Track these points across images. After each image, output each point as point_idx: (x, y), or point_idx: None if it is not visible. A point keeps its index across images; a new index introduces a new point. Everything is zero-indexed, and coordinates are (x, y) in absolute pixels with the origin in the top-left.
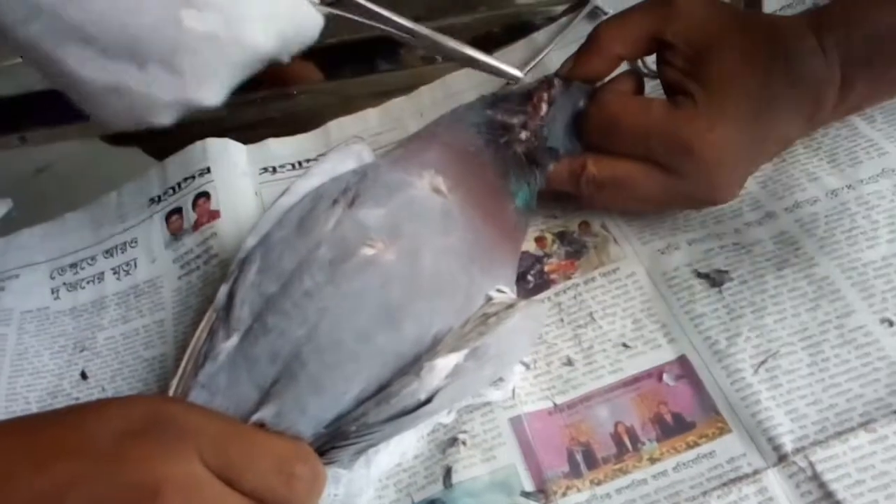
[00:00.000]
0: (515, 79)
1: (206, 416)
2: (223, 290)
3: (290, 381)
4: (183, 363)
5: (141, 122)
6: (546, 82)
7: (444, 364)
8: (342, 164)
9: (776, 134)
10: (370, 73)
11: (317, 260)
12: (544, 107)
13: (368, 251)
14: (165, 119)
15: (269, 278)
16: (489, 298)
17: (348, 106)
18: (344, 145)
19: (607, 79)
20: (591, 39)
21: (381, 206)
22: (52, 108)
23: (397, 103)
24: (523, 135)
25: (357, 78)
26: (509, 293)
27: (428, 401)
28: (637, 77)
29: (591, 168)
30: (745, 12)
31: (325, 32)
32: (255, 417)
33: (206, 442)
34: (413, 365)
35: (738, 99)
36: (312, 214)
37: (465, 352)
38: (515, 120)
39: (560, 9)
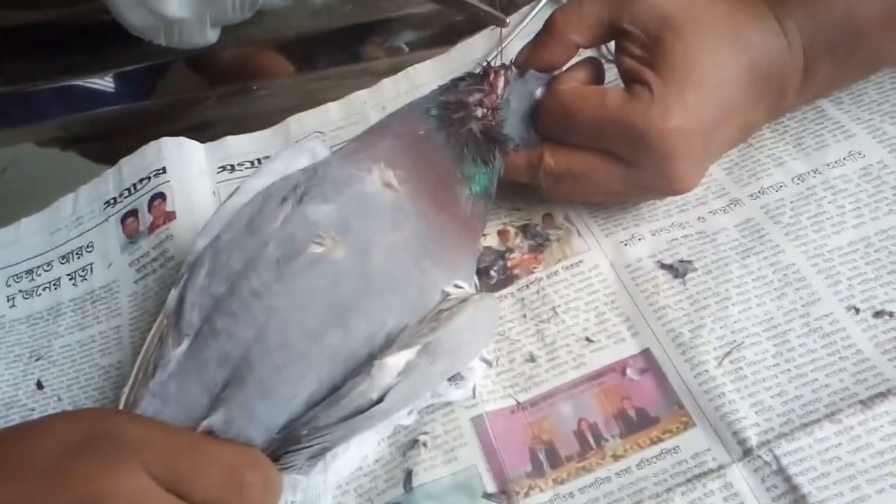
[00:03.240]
0: (502, 22)
1: (152, 428)
2: (173, 294)
3: (239, 385)
4: (134, 372)
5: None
6: (502, 66)
7: (395, 361)
8: (295, 161)
9: (737, 122)
10: (335, 66)
11: (264, 259)
12: (501, 83)
13: (317, 248)
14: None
15: (217, 280)
16: (446, 294)
17: (309, 101)
18: (297, 143)
19: (565, 67)
20: (548, 27)
21: (330, 202)
22: (4, 111)
23: (359, 96)
24: (479, 112)
25: (318, 71)
26: (467, 288)
27: (380, 400)
28: (595, 65)
29: (548, 160)
30: None
31: (294, 25)
32: (203, 425)
33: (153, 454)
34: (366, 365)
35: (696, 87)
36: (261, 213)
37: (416, 348)
38: (471, 97)
39: None
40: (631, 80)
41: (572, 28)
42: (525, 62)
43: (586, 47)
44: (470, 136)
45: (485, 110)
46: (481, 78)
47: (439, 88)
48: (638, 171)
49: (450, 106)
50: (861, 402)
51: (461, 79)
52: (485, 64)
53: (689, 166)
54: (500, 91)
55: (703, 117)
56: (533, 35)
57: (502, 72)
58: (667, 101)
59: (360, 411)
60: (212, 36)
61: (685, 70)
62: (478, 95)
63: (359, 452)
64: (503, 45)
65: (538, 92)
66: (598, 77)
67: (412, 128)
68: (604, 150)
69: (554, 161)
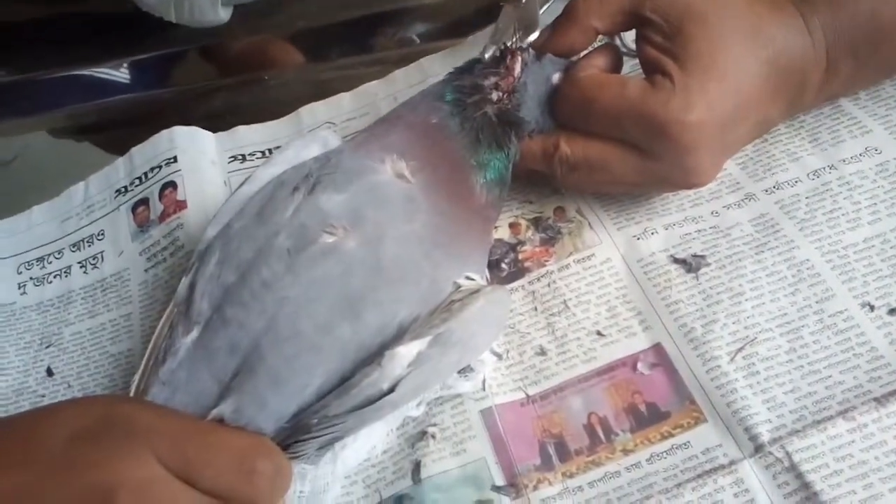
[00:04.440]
0: None
1: (162, 415)
2: (184, 282)
3: (249, 374)
4: (144, 359)
5: None
6: (518, 48)
7: (406, 352)
8: (306, 150)
9: (756, 117)
10: (346, 56)
11: (275, 248)
12: (518, 67)
13: (328, 238)
14: None
15: (228, 269)
16: (458, 286)
17: (321, 91)
18: (309, 132)
19: (583, 53)
20: (568, 12)
21: (342, 192)
22: (16, 101)
23: (371, 87)
24: (495, 95)
25: (329, 62)
26: (478, 280)
27: (391, 390)
28: (614, 52)
29: (564, 147)
30: None
31: (305, 15)
32: (213, 413)
33: (163, 441)
34: (377, 355)
35: (718, 81)
36: (272, 202)
37: (427, 339)
38: (487, 81)
39: None
40: (652, 69)
41: (593, 14)
42: (544, 46)
43: (606, 34)
44: (485, 120)
45: (500, 93)
46: (498, 60)
47: (455, 71)
48: (655, 163)
49: (464, 89)
50: (875, 399)
51: (477, 61)
52: (502, 46)
53: (706, 160)
54: (516, 74)
55: (723, 111)
56: (550, 22)
57: (519, 54)
58: (689, 93)
59: (371, 401)
60: (223, 14)
61: (707, 62)
62: (494, 78)
63: (368, 443)
64: (515, 38)
65: (556, 77)
66: (616, 64)
67: (425, 117)
68: (621, 140)
69: (570, 149)
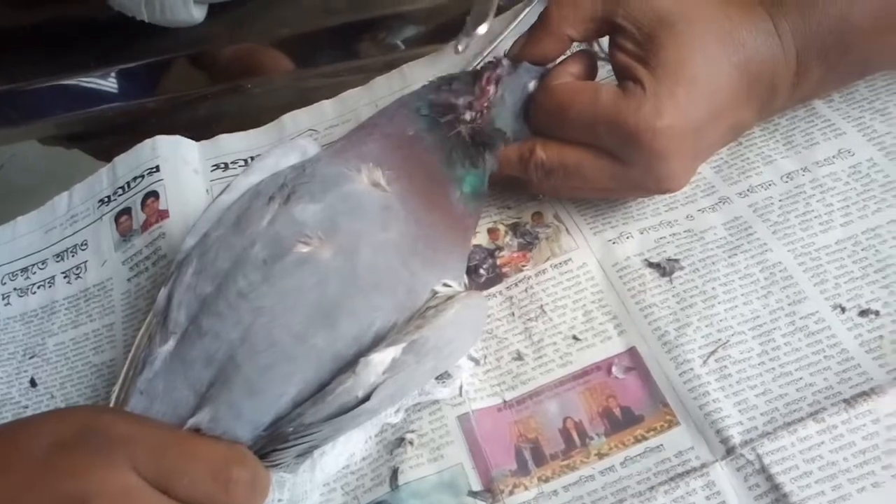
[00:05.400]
0: None
1: (139, 424)
2: (162, 293)
3: (225, 384)
4: (124, 370)
5: None
6: (494, 63)
7: (381, 359)
8: (284, 158)
9: (728, 121)
10: (331, 63)
11: (251, 259)
12: (492, 88)
13: (303, 248)
14: None
15: (204, 279)
16: (434, 293)
17: (304, 99)
18: (289, 140)
19: (559, 60)
20: (542, 19)
21: (318, 201)
22: (3, 109)
23: (353, 94)
24: (468, 115)
25: (314, 69)
26: (456, 286)
27: (367, 398)
28: (588, 59)
29: (539, 153)
30: None
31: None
32: (190, 422)
33: (140, 451)
34: (353, 364)
35: (688, 86)
36: (248, 212)
37: (402, 345)
38: (461, 100)
39: None
40: (624, 76)
41: (567, 21)
42: (518, 54)
43: (580, 41)
44: (458, 140)
45: (474, 113)
46: (473, 79)
47: (430, 85)
48: (628, 168)
49: (439, 108)
50: (844, 400)
51: (454, 77)
52: (478, 65)
53: (678, 165)
54: (490, 95)
55: (694, 116)
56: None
57: (493, 73)
58: (659, 99)
59: (347, 409)
60: (196, 13)
61: (678, 68)
62: (467, 98)
63: (346, 450)
64: (495, 45)
65: (531, 85)
66: (591, 70)
67: (401, 128)
68: (595, 146)
69: (545, 154)
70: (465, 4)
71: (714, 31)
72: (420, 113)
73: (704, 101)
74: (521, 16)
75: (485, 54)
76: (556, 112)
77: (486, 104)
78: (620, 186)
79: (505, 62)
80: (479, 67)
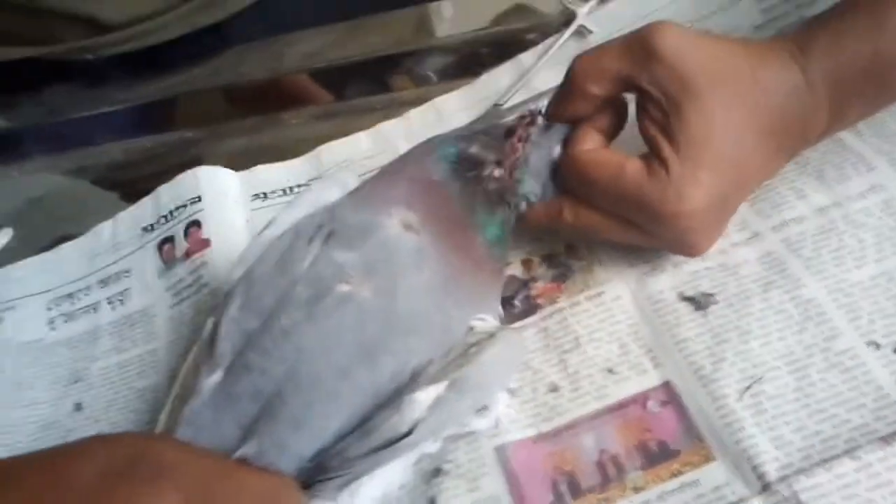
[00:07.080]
0: None
1: (190, 454)
2: (209, 323)
3: (271, 418)
4: (171, 397)
5: None
6: (528, 119)
7: (425, 397)
8: (327, 192)
9: (756, 183)
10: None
11: (294, 298)
12: (520, 147)
13: (344, 287)
14: None
15: (250, 314)
16: (471, 328)
17: (337, 131)
18: (329, 174)
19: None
20: (567, 77)
21: (355, 249)
22: (45, 139)
23: (388, 126)
24: (496, 172)
25: (346, 102)
26: (491, 320)
27: (409, 433)
28: (615, 112)
29: (566, 215)
30: (727, 47)
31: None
32: (237, 454)
33: (190, 480)
34: (393, 398)
35: (713, 167)
36: (291, 251)
37: (445, 383)
38: (490, 156)
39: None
40: (650, 148)
41: (590, 79)
42: (550, 115)
43: (606, 99)
44: (483, 195)
45: (502, 171)
46: (502, 134)
47: (461, 132)
48: (655, 239)
49: (466, 161)
50: (881, 438)
51: (482, 131)
52: (512, 121)
53: (703, 237)
54: (518, 154)
55: (718, 192)
56: (555, 67)
57: (523, 132)
58: (683, 182)
59: (390, 443)
60: None
61: (702, 149)
62: (496, 156)
63: (384, 480)
64: (525, 79)
65: (556, 150)
66: (619, 122)
67: (427, 173)
68: (622, 216)
69: (572, 218)
70: (494, 36)
71: (742, 96)
72: (448, 160)
73: (730, 175)
74: (553, 49)
75: (517, 87)
76: (581, 183)
77: (514, 164)
78: (650, 247)
79: (540, 120)
80: (512, 122)
